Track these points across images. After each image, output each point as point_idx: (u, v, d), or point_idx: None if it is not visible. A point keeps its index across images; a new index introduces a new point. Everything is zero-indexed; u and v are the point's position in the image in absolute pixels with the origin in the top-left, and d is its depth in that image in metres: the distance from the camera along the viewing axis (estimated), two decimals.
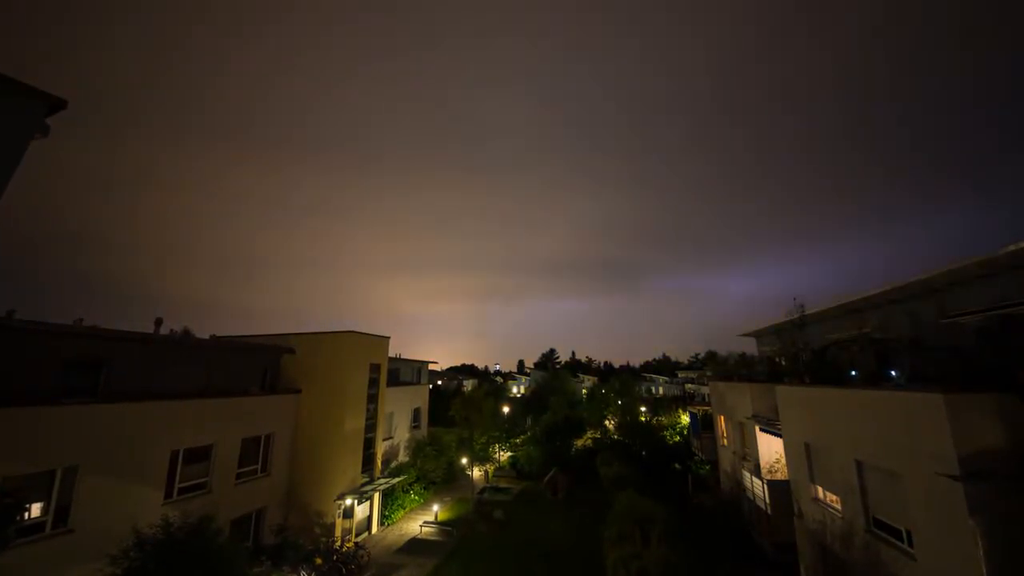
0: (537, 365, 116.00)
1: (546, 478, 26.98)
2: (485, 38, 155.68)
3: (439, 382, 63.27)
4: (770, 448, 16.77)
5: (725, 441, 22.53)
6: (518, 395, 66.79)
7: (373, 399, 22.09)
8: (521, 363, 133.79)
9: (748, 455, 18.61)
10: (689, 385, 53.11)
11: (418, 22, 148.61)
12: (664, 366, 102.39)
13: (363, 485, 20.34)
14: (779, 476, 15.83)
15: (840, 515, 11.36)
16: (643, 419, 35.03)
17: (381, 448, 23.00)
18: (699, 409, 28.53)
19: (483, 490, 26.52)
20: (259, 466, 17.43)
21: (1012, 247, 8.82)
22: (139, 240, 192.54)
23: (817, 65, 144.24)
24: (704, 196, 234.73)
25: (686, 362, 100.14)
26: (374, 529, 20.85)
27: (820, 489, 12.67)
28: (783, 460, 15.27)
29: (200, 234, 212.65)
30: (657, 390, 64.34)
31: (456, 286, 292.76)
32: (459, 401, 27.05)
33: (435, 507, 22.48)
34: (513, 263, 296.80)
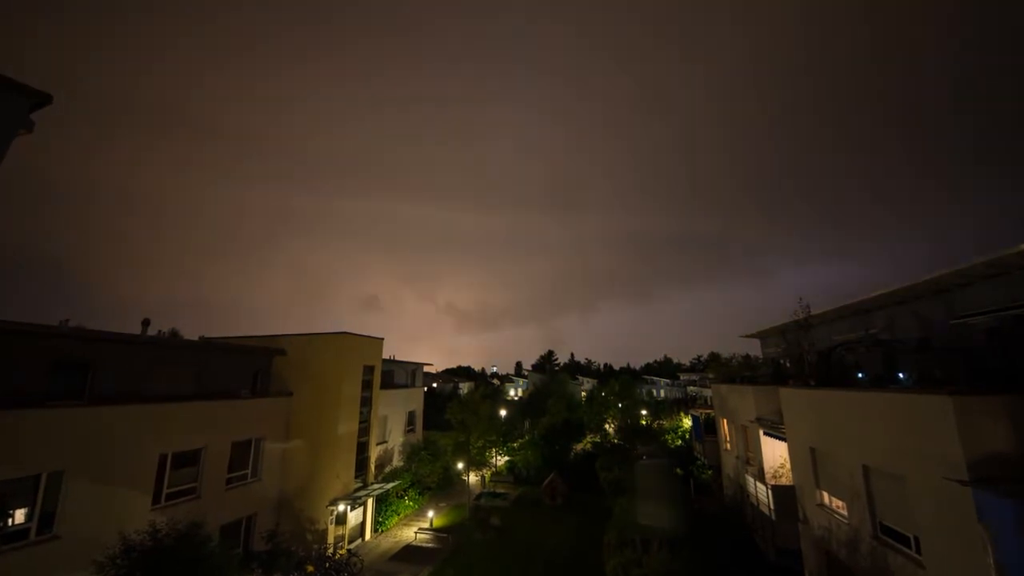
0: (535, 367, 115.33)
1: (544, 483, 26.65)
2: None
3: (434, 384, 62.73)
4: (774, 452, 16.49)
5: (728, 445, 22.23)
6: (516, 398, 66.49)
7: (367, 402, 21.77)
8: (519, 365, 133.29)
9: (752, 459, 18.34)
10: (691, 387, 52.80)
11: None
12: (665, 368, 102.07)
13: (356, 490, 19.98)
14: (783, 481, 15.56)
15: (846, 521, 11.13)
16: (644, 422, 34.72)
17: (375, 452, 22.64)
18: (701, 412, 28.24)
19: (480, 495, 26.16)
20: (249, 471, 17.13)
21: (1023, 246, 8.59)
22: (124, 236, 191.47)
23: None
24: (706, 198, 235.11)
25: (688, 364, 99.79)
26: (367, 535, 20.52)
27: (825, 494, 12.43)
28: (787, 465, 15.01)
29: (191, 230, 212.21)
30: (658, 393, 64.02)
31: (454, 286, 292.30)
32: (455, 404, 26.73)
33: (430, 513, 22.17)
34: (514, 259, 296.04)
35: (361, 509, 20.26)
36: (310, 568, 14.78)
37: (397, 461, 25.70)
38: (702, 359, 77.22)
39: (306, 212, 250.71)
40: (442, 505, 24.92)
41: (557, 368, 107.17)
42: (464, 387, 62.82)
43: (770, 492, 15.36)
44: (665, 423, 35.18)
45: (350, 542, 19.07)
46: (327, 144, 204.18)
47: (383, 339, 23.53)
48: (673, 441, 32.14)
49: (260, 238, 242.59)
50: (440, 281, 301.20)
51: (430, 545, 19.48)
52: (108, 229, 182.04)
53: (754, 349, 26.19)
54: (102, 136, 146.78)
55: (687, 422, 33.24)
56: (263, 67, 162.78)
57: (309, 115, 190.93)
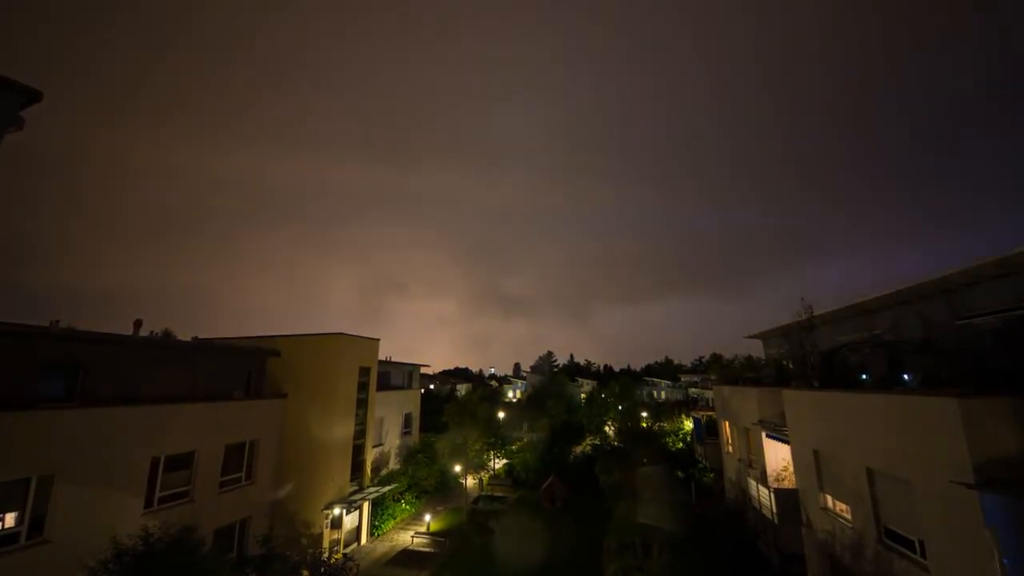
0: (534, 368, 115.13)
1: (543, 486, 26.43)
2: None
3: (431, 386, 62.29)
4: (777, 455, 16.32)
5: (730, 448, 22.02)
6: (514, 400, 66.29)
7: (362, 404, 21.61)
8: (517, 366, 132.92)
9: (754, 462, 18.18)
10: (692, 389, 52.44)
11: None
12: (666, 369, 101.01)
13: (352, 494, 19.80)
14: (786, 484, 15.37)
15: (850, 525, 11.01)
16: (644, 424, 34.50)
17: (371, 455, 22.46)
18: (703, 414, 28.02)
19: (477, 499, 25.93)
20: (243, 474, 16.89)
21: None
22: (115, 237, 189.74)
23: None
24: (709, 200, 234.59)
25: (689, 365, 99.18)
26: (363, 540, 20.33)
27: (829, 498, 12.30)
28: (790, 468, 14.88)
29: (184, 228, 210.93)
30: (659, 394, 63.58)
31: (452, 288, 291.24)
32: (452, 406, 26.61)
33: (427, 517, 21.98)
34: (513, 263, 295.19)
35: (357, 513, 20.06)
36: (305, 573, 14.59)
37: (394, 464, 25.48)
38: (704, 360, 76.94)
39: (303, 205, 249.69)
40: (439, 509, 24.70)
41: (556, 369, 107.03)
42: (462, 389, 62.47)
43: (773, 495, 15.15)
44: (666, 425, 34.92)
45: (346, 546, 18.87)
46: (327, 128, 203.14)
47: (379, 340, 23.40)
48: (674, 444, 31.88)
49: (257, 235, 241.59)
50: (439, 274, 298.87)
51: (427, 549, 19.30)
52: (100, 224, 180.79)
53: (756, 350, 25.99)
54: (100, 121, 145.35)
55: (688, 424, 33.02)
56: (276, 45, 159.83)
57: (307, 88, 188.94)
